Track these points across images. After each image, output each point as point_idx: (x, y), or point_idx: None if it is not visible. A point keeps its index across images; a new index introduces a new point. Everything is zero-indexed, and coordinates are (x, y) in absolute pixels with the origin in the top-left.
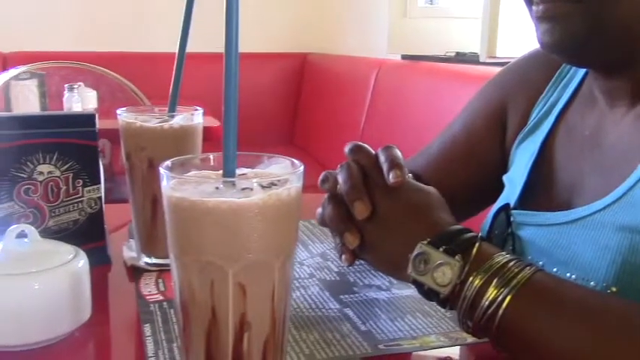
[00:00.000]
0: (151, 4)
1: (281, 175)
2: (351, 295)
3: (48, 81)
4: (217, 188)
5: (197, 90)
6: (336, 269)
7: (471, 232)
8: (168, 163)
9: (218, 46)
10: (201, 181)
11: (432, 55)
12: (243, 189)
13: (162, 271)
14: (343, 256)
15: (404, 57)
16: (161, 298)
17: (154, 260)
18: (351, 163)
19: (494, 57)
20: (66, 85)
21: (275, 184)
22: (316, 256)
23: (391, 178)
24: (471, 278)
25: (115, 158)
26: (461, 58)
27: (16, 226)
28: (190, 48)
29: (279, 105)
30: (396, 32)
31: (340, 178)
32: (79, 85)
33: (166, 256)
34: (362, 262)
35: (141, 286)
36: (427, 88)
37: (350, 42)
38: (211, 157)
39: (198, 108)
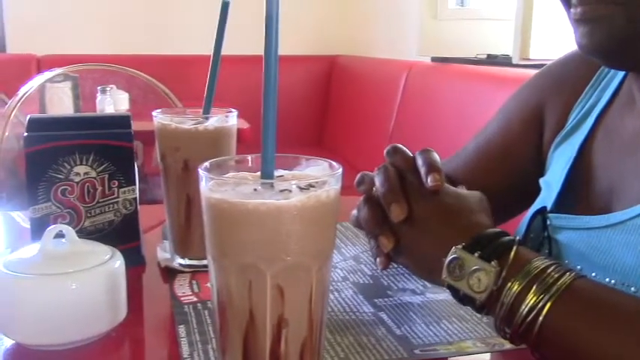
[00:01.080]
0: (181, 8)
1: (320, 177)
2: (385, 299)
3: (81, 83)
4: (256, 190)
5: (227, 92)
6: (369, 272)
7: (507, 235)
8: (206, 164)
9: (246, 48)
10: (240, 182)
11: (462, 58)
12: (282, 191)
13: (196, 272)
14: (378, 259)
15: (434, 59)
16: (195, 299)
17: (187, 261)
18: (389, 165)
19: (528, 59)
20: (98, 88)
21: (313, 186)
22: (349, 259)
23: (429, 181)
24: (509, 284)
25: (147, 160)
26: (492, 60)
27: (54, 226)
28: (207, 51)
29: (307, 107)
30: (427, 34)
31: (377, 181)
32: (111, 88)
33: (200, 258)
34: (395, 265)
35: (175, 288)
36: (458, 90)
37: (379, 44)
38: (249, 158)
39: (232, 110)
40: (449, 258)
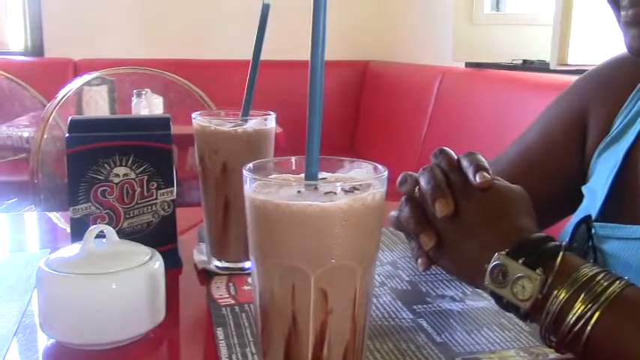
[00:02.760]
0: (216, 13)
1: (364, 179)
2: (425, 306)
3: (117, 87)
4: (300, 192)
5: (259, 97)
6: (407, 278)
7: (553, 240)
8: (250, 165)
9: (279, 54)
10: (284, 184)
11: (497, 63)
12: (327, 193)
13: (233, 274)
14: (419, 260)
15: (468, 65)
16: (232, 302)
17: (224, 264)
18: (434, 166)
19: (566, 64)
20: (134, 91)
21: (357, 189)
22: (386, 264)
23: (478, 178)
24: (555, 292)
25: (182, 163)
26: (528, 65)
27: (96, 226)
28: (250, 56)
29: (339, 113)
30: (461, 39)
31: (422, 179)
32: (146, 92)
33: (237, 260)
34: (434, 272)
35: (212, 290)
36: (493, 96)
37: (412, 49)
38: (293, 160)
39: (271, 113)
40: (492, 264)
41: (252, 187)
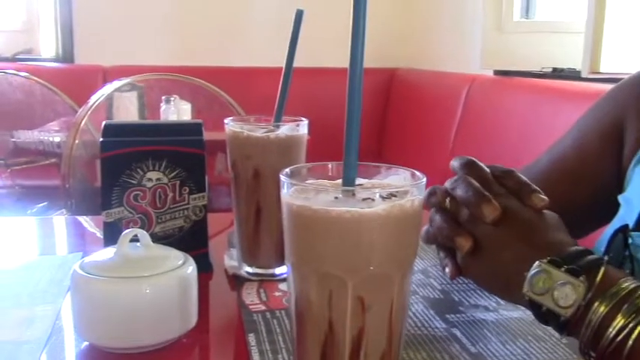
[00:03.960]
0: (243, 21)
1: (402, 186)
2: (458, 315)
3: (146, 93)
4: (337, 198)
5: (287, 103)
6: (439, 287)
7: (593, 253)
8: (287, 170)
9: (307, 60)
10: (321, 189)
11: (526, 71)
12: (364, 199)
13: (264, 280)
14: (447, 269)
15: (497, 72)
16: (264, 308)
17: (255, 270)
18: (465, 176)
19: (598, 72)
20: (163, 97)
21: (395, 195)
22: (417, 272)
23: (536, 200)
24: (596, 304)
25: (210, 169)
26: (558, 74)
27: (129, 230)
28: (280, 62)
29: (366, 120)
30: (490, 47)
31: (460, 189)
32: (175, 98)
33: (268, 266)
34: (465, 281)
35: (243, 295)
36: (522, 104)
37: (440, 57)
38: (329, 166)
39: (303, 119)
40: (532, 271)
41: (289, 193)
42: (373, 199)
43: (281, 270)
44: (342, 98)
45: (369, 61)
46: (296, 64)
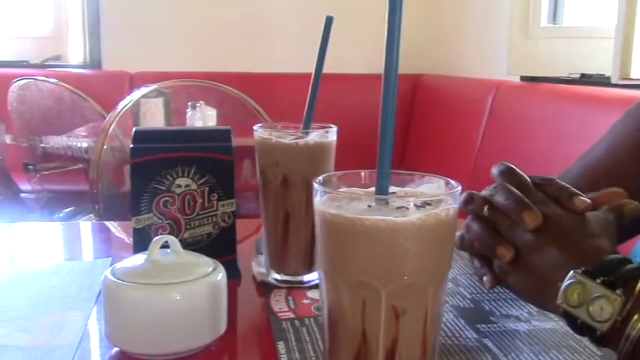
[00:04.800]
0: (267, 27)
1: (437, 194)
2: (489, 325)
3: (172, 99)
4: (370, 206)
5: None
6: (469, 296)
7: (632, 263)
8: (320, 178)
9: (332, 66)
10: (354, 197)
11: (554, 77)
12: (398, 208)
13: (292, 288)
14: (485, 278)
15: (523, 78)
16: (292, 315)
17: (283, 277)
18: (505, 183)
19: (629, 78)
20: (189, 103)
21: (429, 204)
22: (447, 281)
23: (577, 203)
24: (635, 317)
25: (237, 175)
26: (587, 80)
27: (160, 236)
28: (304, 69)
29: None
30: (516, 52)
31: (499, 197)
32: (200, 104)
33: (296, 273)
34: (496, 291)
35: (271, 303)
36: (549, 111)
37: (465, 63)
38: (362, 173)
39: (332, 125)
40: (566, 282)
41: (321, 200)
42: (407, 208)
43: (309, 277)
44: (368, 104)
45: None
46: (330, 70)
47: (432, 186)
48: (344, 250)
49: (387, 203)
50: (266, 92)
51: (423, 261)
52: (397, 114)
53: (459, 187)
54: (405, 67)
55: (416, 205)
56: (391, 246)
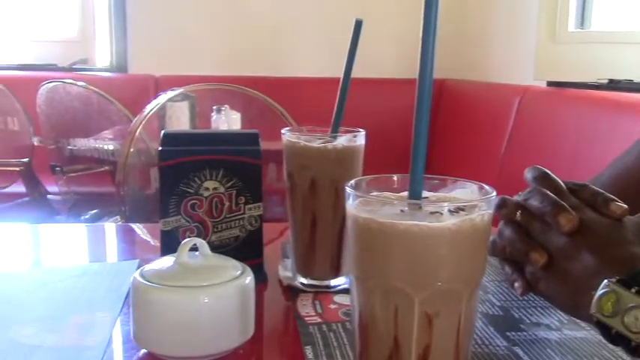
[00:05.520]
0: (292, 32)
1: (470, 200)
2: (519, 333)
3: (197, 103)
4: (402, 211)
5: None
6: (498, 303)
7: None
8: (352, 182)
9: (361, 71)
10: (386, 202)
11: (581, 82)
12: (432, 213)
13: (319, 292)
14: (516, 284)
15: (550, 84)
16: (319, 320)
17: (310, 281)
18: (540, 188)
19: None
20: (214, 107)
21: (462, 209)
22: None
23: (614, 208)
24: None
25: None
26: (615, 85)
27: (189, 239)
28: (329, 73)
29: (410, 130)
30: (543, 57)
31: (534, 200)
32: (225, 108)
33: (323, 278)
34: (526, 298)
35: (298, 307)
36: (577, 117)
37: (491, 68)
38: (395, 178)
39: (360, 129)
40: (600, 291)
41: (354, 204)
42: (441, 213)
43: (336, 282)
44: (394, 109)
45: (415, 71)
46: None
47: (465, 191)
48: (376, 255)
49: (420, 208)
50: (291, 96)
51: (457, 267)
52: None
53: (494, 193)
54: None
55: (450, 211)
56: (425, 252)
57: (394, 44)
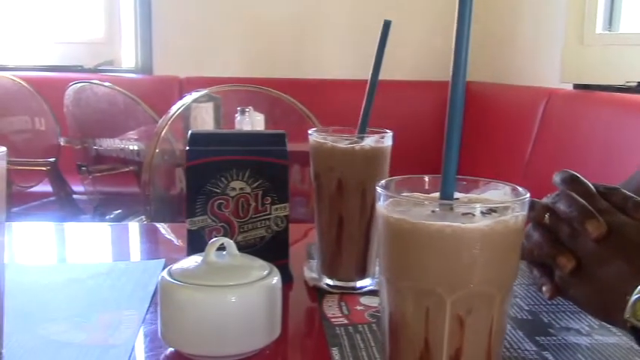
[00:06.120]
0: (316, 34)
1: (503, 201)
2: (548, 338)
3: (222, 104)
4: (434, 212)
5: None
6: (526, 307)
7: None
8: (383, 182)
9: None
10: (417, 202)
11: (609, 85)
12: (464, 214)
13: (344, 293)
14: (544, 288)
15: (576, 86)
16: (346, 321)
17: (336, 282)
18: (568, 191)
19: None
20: (238, 108)
21: (495, 211)
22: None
23: None
24: None
25: None
26: None
27: (217, 239)
28: (353, 75)
29: (438, 132)
30: (570, 60)
31: (562, 204)
32: (250, 109)
33: (349, 279)
34: (554, 302)
35: (324, 308)
36: (605, 120)
37: (516, 70)
38: (426, 179)
39: (387, 130)
40: (635, 296)
41: (384, 205)
42: (473, 215)
43: (362, 283)
44: (409, 111)
45: (442, 74)
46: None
47: (497, 192)
48: (408, 256)
49: (452, 209)
50: (314, 98)
51: (490, 269)
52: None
53: (528, 195)
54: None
55: (482, 212)
56: (458, 253)
57: (417, 46)
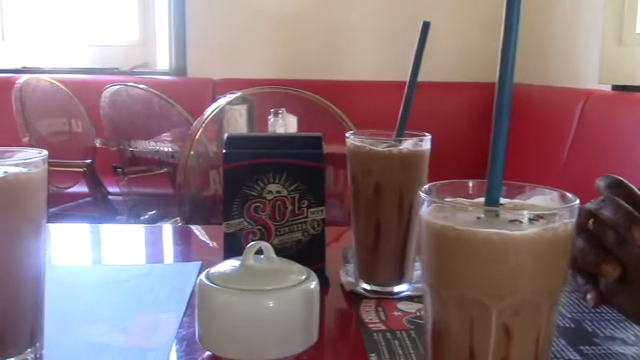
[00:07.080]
0: (349, 35)
1: (552, 208)
2: (593, 347)
3: (255, 106)
4: (478, 218)
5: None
6: (569, 315)
7: None
8: (426, 187)
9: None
10: (462, 208)
11: None
12: (511, 221)
13: (382, 298)
14: (588, 296)
15: (615, 87)
16: (383, 327)
17: (373, 287)
18: (612, 197)
19: None
20: (271, 110)
21: (542, 217)
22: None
23: None
24: None
25: None
26: None
27: (255, 242)
28: (387, 77)
29: (472, 134)
30: (609, 61)
31: (607, 210)
32: (283, 111)
33: (386, 284)
34: (598, 311)
35: (361, 313)
36: None
37: (552, 71)
38: (470, 184)
39: (426, 133)
40: None
41: (427, 210)
42: (521, 222)
43: (400, 288)
44: (444, 113)
45: (476, 75)
46: (404, 77)
47: (544, 198)
48: (452, 263)
49: (498, 215)
50: (348, 100)
51: (538, 278)
52: (479, 123)
53: (577, 201)
54: (486, 75)
55: (529, 219)
56: (505, 261)
57: (454, 47)
